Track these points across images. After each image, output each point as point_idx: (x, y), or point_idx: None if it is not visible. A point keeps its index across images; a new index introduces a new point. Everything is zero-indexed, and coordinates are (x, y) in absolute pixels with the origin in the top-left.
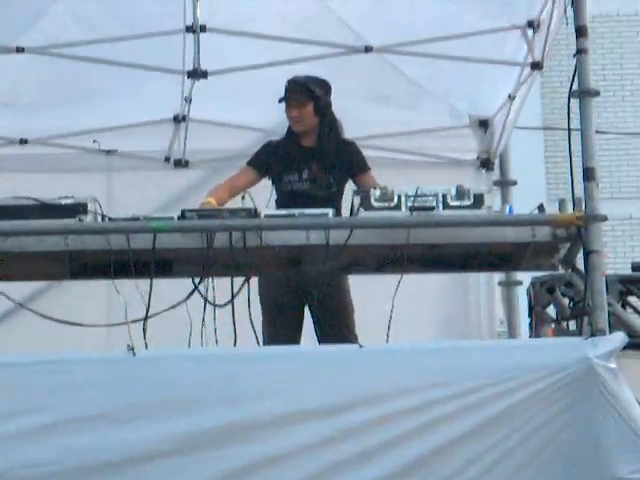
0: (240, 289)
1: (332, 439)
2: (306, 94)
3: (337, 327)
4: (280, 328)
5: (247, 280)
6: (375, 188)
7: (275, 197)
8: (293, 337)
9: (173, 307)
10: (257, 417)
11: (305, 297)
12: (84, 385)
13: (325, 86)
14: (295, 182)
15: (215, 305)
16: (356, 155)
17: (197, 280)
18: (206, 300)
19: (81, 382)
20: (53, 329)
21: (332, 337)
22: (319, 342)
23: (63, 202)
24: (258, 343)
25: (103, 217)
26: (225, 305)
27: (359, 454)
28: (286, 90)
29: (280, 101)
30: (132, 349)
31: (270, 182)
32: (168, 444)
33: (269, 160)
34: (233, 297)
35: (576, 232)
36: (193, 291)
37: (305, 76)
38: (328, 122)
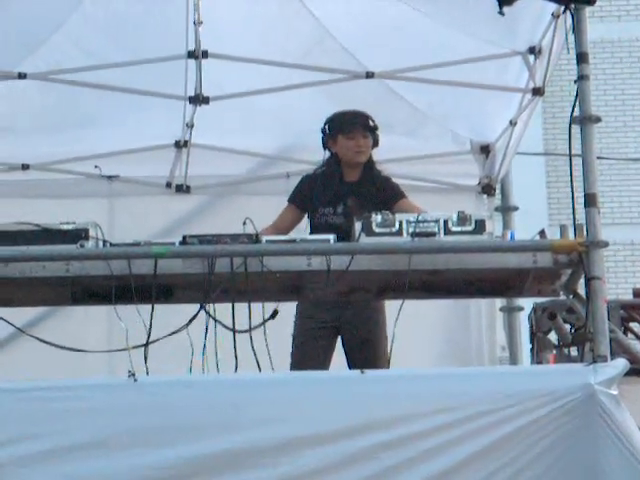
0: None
1: (336, 465)
2: (370, 128)
3: (365, 356)
4: (309, 355)
5: (249, 306)
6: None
7: (309, 229)
8: (323, 364)
9: (175, 332)
10: (260, 443)
11: (339, 326)
12: (85, 411)
13: (375, 122)
14: (329, 215)
15: (235, 331)
16: (391, 188)
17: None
18: (220, 324)
19: (82, 408)
20: (54, 355)
21: (359, 365)
22: None
23: (64, 227)
24: (260, 370)
25: (104, 242)
26: (243, 332)
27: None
28: (352, 120)
29: (347, 131)
30: (133, 375)
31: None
32: (169, 470)
33: (309, 194)
34: (250, 327)
35: (577, 258)
36: (196, 314)
37: (362, 111)
38: (372, 158)
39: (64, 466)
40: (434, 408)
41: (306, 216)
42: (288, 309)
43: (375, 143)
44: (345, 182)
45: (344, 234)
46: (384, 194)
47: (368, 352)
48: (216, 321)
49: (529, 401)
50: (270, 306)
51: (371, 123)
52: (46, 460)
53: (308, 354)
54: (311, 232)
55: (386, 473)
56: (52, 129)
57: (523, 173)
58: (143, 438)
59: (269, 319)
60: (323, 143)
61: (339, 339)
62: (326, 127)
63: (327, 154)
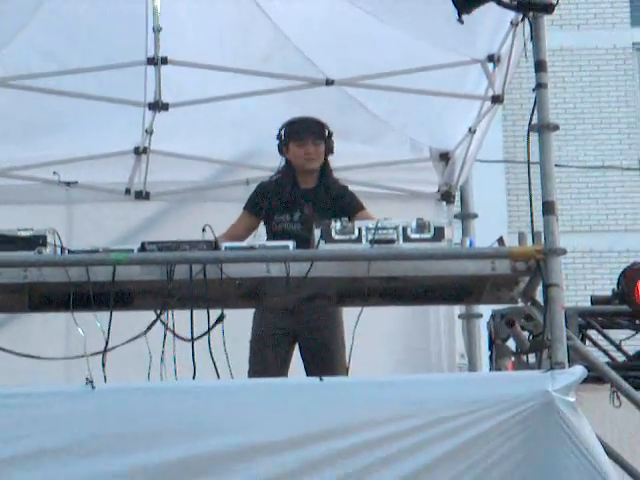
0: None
1: (294, 472)
2: (322, 133)
3: (322, 363)
4: (267, 361)
5: (208, 313)
6: None
7: (265, 237)
8: (280, 371)
9: (133, 339)
10: (219, 450)
11: (296, 334)
12: (42, 419)
13: (329, 129)
14: (286, 222)
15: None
16: (350, 197)
17: (157, 312)
18: (174, 335)
19: (39, 415)
20: (11, 362)
21: (317, 372)
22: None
23: (22, 234)
24: (218, 376)
25: (62, 249)
26: (196, 339)
27: None
28: (304, 127)
29: (299, 138)
30: (91, 382)
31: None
32: (128, 478)
33: (264, 202)
34: (208, 331)
35: (535, 265)
36: (153, 322)
37: (315, 117)
38: (328, 165)
39: (22, 473)
40: (392, 415)
41: (262, 224)
42: (248, 315)
43: (329, 150)
44: (300, 189)
45: (301, 241)
46: (342, 203)
47: (325, 359)
48: (171, 331)
49: (487, 408)
50: (231, 313)
51: (324, 130)
52: (4, 468)
53: (266, 361)
54: (268, 240)
55: None
56: (10, 135)
57: (483, 180)
58: (101, 445)
59: (217, 323)
60: (279, 150)
61: (296, 346)
62: (280, 134)
63: (283, 161)
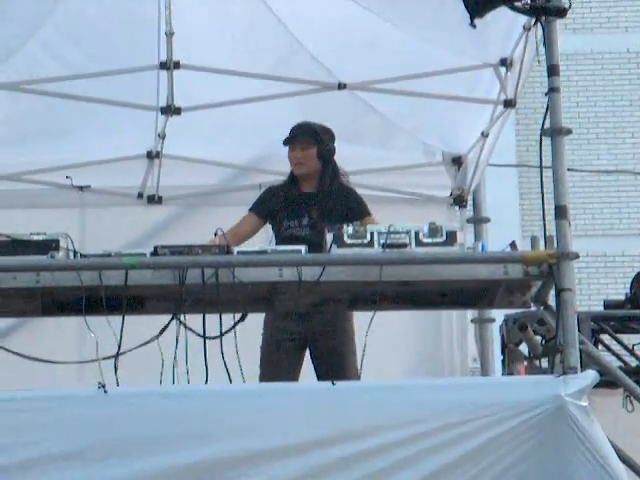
0: (232, 327)
1: (306, 476)
2: (311, 138)
3: (333, 368)
4: (279, 366)
5: (220, 317)
6: None
7: (274, 241)
8: (291, 375)
9: (145, 344)
10: (231, 454)
11: (307, 338)
12: (55, 423)
13: (330, 133)
14: (295, 228)
15: (206, 337)
16: (355, 202)
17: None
18: (192, 331)
19: (52, 420)
20: (24, 366)
21: (328, 377)
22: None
23: (35, 238)
24: (230, 381)
25: (75, 253)
26: (212, 338)
27: None
28: (292, 133)
29: (285, 143)
30: (103, 386)
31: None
32: None
33: (270, 205)
34: (222, 334)
35: (548, 270)
36: (167, 325)
37: (311, 122)
38: (331, 169)
39: (36, 477)
40: (405, 419)
41: (270, 228)
42: (259, 319)
43: (327, 154)
44: (305, 193)
45: (311, 246)
46: (349, 207)
47: (336, 364)
48: (187, 328)
49: (499, 413)
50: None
51: (312, 135)
52: (16, 473)
53: (276, 366)
54: (277, 245)
55: None
56: (23, 139)
57: (497, 184)
58: (114, 450)
59: (239, 322)
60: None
61: (307, 351)
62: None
63: None
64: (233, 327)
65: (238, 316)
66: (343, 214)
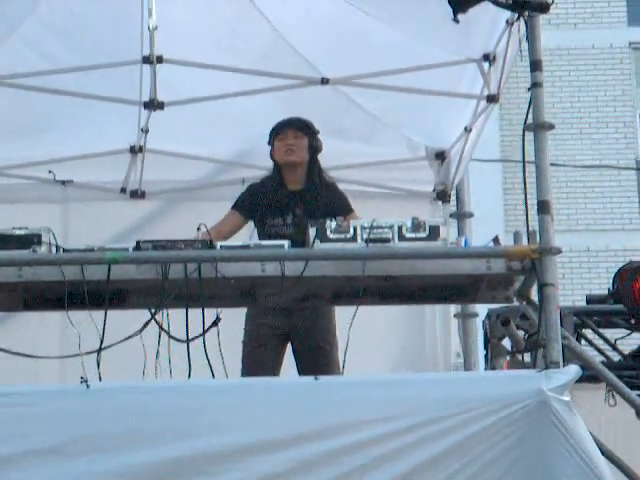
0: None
1: (289, 471)
2: (304, 128)
3: (315, 363)
4: (261, 361)
5: (203, 312)
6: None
7: (256, 236)
8: (273, 370)
9: (127, 339)
10: (213, 450)
11: (289, 333)
12: (37, 418)
13: (317, 131)
14: (279, 226)
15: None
16: (339, 199)
17: (152, 311)
18: (169, 336)
19: (34, 414)
20: (6, 361)
21: (310, 372)
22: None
23: (17, 233)
24: (213, 376)
25: (57, 248)
26: (191, 340)
27: None
28: (283, 123)
29: (278, 131)
30: (85, 381)
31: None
32: (123, 477)
33: (254, 203)
34: (204, 332)
35: (531, 265)
36: (148, 322)
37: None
38: (317, 166)
39: (16, 474)
40: (387, 414)
41: (253, 225)
42: (242, 314)
43: (316, 149)
44: (289, 191)
45: (295, 244)
46: (332, 204)
47: (318, 359)
48: (166, 332)
49: (482, 407)
50: (226, 312)
51: (307, 126)
52: (0, 467)
53: (258, 361)
54: None
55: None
56: (5, 133)
57: (479, 179)
58: (96, 445)
59: (212, 326)
60: (270, 155)
61: (289, 346)
62: (269, 137)
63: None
64: (205, 332)
65: (223, 311)
66: (327, 211)
